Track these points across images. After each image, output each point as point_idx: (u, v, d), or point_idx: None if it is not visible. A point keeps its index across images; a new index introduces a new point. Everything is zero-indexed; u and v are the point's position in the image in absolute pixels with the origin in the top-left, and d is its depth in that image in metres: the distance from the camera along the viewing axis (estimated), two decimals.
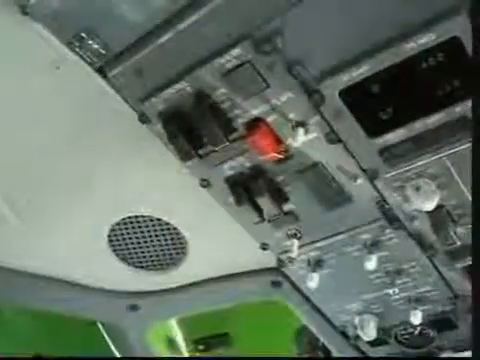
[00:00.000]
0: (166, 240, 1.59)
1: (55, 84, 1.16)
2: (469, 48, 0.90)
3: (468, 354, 1.51)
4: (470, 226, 1.19)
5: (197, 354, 2.06)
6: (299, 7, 0.94)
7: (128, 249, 1.63)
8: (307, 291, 1.52)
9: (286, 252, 1.35)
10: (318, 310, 1.57)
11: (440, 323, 1.46)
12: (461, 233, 1.21)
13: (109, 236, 1.59)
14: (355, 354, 1.63)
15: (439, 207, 1.16)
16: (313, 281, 1.39)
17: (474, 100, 0.92)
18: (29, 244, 1.58)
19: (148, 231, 1.58)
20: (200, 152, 1.19)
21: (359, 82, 1.00)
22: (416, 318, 1.40)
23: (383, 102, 1.03)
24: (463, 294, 1.37)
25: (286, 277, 1.51)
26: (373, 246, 1.31)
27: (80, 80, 1.14)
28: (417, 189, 1.12)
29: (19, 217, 1.48)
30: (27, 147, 1.29)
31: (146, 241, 1.61)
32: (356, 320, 1.50)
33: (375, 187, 1.19)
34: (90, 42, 1.07)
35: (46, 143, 1.29)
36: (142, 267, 1.68)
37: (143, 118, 1.18)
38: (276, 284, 1.58)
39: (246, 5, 0.97)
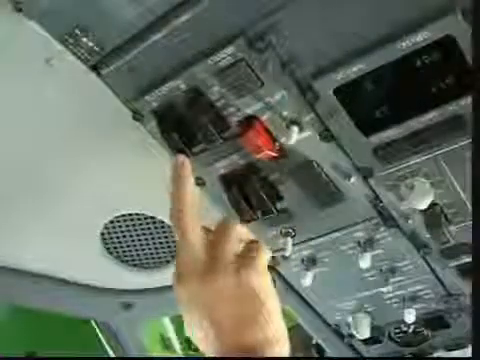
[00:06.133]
0: (160, 238, 1.59)
1: (48, 82, 1.15)
2: (463, 46, 0.90)
3: (460, 353, 1.52)
4: (464, 225, 1.19)
5: (190, 352, 2.06)
6: (293, 4, 0.94)
7: (122, 247, 1.63)
8: (301, 289, 1.52)
9: (280, 250, 1.34)
10: (312, 308, 1.57)
11: (434, 322, 1.46)
12: (455, 232, 1.21)
13: (102, 234, 1.59)
14: (349, 353, 1.63)
15: (433, 206, 1.16)
16: (307, 279, 1.39)
17: (474, 99, 0.91)
18: (21, 243, 1.57)
19: (142, 229, 1.57)
20: (194, 150, 1.19)
21: (354, 80, 1.00)
22: (410, 317, 1.40)
23: (378, 100, 1.02)
24: (457, 293, 1.38)
25: (279, 275, 1.51)
26: (367, 244, 1.31)
27: (73, 77, 1.13)
28: (411, 187, 1.12)
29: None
30: (16, 145, 1.28)
31: (140, 239, 1.60)
32: (350, 318, 1.51)
33: (369, 185, 1.19)
34: (84, 39, 1.06)
35: (37, 141, 1.28)
36: (135, 265, 1.68)
37: (137, 116, 1.18)
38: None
39: (240, 2, 0.97)
